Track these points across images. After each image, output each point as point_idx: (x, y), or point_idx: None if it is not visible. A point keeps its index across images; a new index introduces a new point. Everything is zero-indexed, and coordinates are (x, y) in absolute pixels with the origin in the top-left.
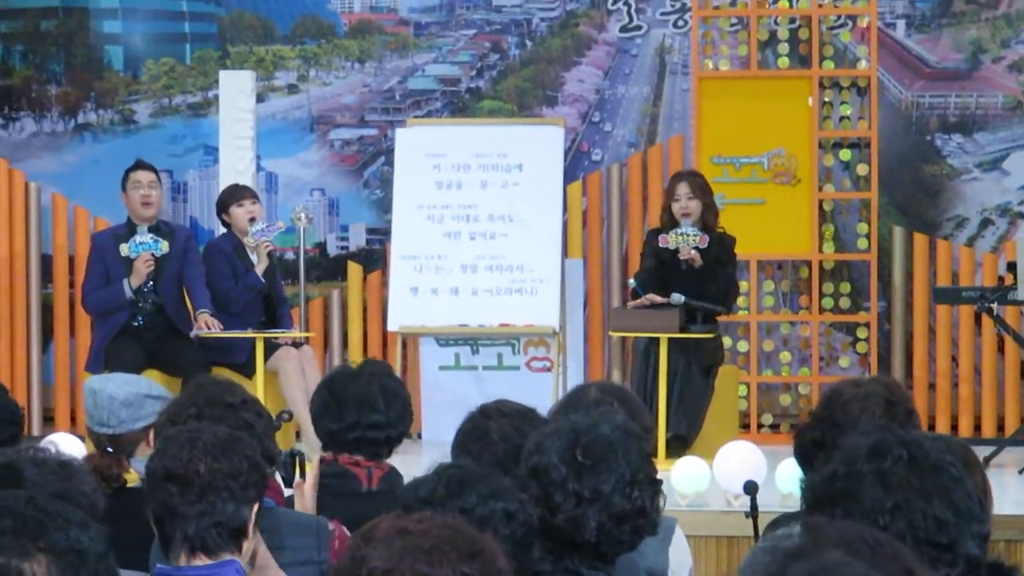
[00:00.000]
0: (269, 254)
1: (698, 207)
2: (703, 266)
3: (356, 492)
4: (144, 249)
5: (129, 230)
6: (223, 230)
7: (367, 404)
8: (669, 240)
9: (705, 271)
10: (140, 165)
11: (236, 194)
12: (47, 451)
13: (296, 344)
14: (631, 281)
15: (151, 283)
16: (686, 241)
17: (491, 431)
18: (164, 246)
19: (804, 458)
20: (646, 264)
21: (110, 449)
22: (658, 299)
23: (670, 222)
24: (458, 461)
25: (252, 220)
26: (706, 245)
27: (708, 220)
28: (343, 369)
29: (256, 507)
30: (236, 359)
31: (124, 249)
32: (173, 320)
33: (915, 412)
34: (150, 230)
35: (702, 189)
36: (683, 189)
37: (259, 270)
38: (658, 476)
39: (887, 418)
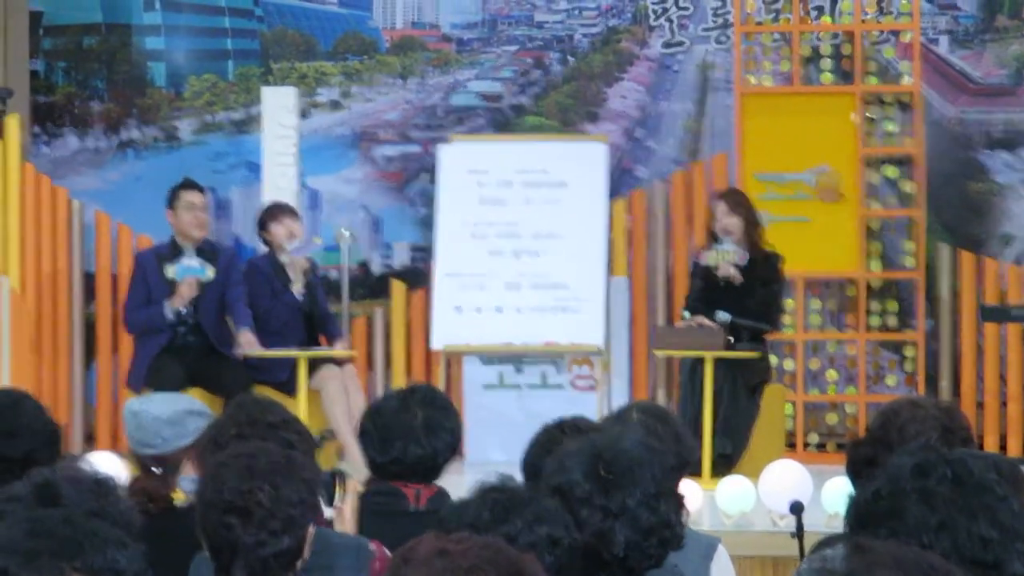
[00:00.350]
0: (306, 271)
1: (738, 223)
2: (746, 284)
3: (404, 511)
4: (190, 274)
5: (173, 250)
6: (265, 248)
7: (411, 439)
8: (708, 258)
9: (747, 289)
10: (192, 185)
11: (275, 211)
12: (83, 469)
13: (338, 362)
14: (684, 312)
15: (190, 305)
16: (724, 258)
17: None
18: (210, 272)
19: (855, 474)
20: (694, 284)
21: (156, 470)
22: (706, 322)
23: (713, 242)
24: (502, 483)
25: (291, 237)
26: (745, 262)
27: (752, 236)
28: (388, 399)
29: (311, 528)
30: (277, 377)
31: (169, 271)
32: (212, 340)
33: (972, 441)
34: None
35: (741, 204)
36: (721, 207)
37: (296, 288)
38: (680, 492)
39: (942, 444)
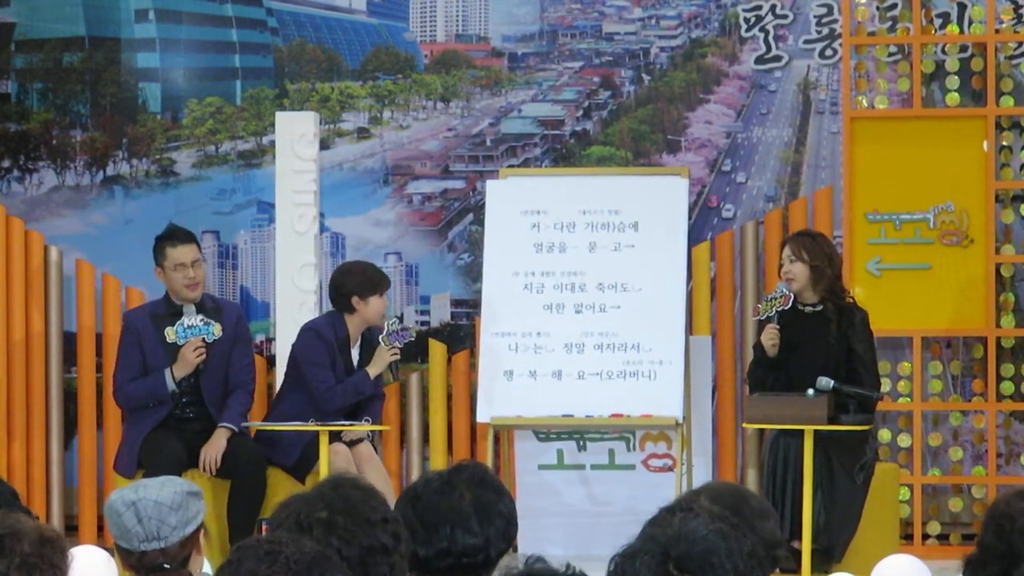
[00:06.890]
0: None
1: (803, 271)
2: (821, 344)
3: None
4: (194, 334)
5: (169, 310)
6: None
7: (460, 526)
8: (760, 310)
9: (823, 348)
10: (177, 236)
11: None
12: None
13: (350, 441)
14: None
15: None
16: (773, 306)
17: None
18: (216, 330)
19: None
20: (753, 362)
21: (167, 566)
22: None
23: None
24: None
25: None
26: (788, 306)
27: (820, 288)
28: (428, 480)
29: None
30: (284, 460)
31: (170, 334)
32: (215, 414)
33: None
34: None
35: (808, 250)
36: (786, 252)
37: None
38: None
39: None
